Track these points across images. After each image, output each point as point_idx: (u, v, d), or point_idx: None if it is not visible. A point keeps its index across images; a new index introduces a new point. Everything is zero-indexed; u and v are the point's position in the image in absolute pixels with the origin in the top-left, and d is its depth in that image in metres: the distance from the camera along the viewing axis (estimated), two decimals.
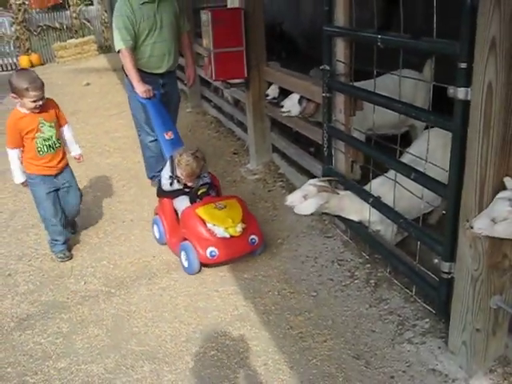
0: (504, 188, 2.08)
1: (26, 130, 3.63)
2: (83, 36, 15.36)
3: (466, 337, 2.45)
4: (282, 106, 4.34)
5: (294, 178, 4.71)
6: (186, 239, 3.57)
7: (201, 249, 3.43)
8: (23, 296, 3.51)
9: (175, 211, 3.92)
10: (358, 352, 2.72)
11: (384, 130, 4.14)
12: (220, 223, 3.50)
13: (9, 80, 3.50)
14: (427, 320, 2.85)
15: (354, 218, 3.42)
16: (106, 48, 15.51)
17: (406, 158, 3.19)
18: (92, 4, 16.55)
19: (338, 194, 3.37)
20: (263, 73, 4.80)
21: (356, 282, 3.29)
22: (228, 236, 3.49)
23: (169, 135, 4.22)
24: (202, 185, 3.82)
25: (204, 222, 3.52)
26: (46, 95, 3.66)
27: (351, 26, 3.21)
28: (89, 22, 15.88)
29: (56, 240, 3.95)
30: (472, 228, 2.12)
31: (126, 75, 4.49)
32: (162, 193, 3.92)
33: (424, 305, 2.91)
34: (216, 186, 4.00)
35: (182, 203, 3.81)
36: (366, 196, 3.24)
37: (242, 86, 5.09)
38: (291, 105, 4.24)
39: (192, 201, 3.77)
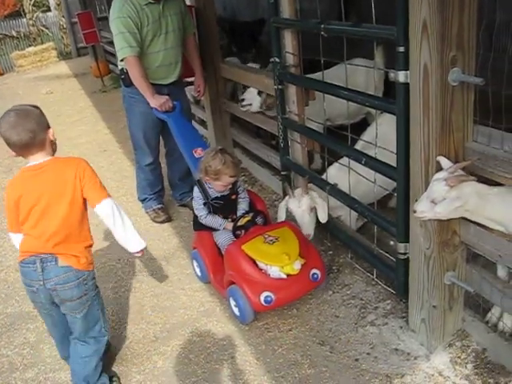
0: (441, 168, 2.13)
1: None
2: (42, 43, 15.14)
3: (424, 314, 2.52)
4: (243, 100, 4.36)
5: (255, 172, 4.75)
6: (233, 282, 2.94)
7: (253, 294, 2.79)
8: None
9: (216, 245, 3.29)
10: (322, 338, 2.76)
11: (341, 120, 4.19)
12: (273, 262, 2.85)
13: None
14: (388, 301, 2.91)
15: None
16: (66, 54, 15.33)
17: (359, 144, 3.24)
18: (49, 10, 16.32)
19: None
20: (219, 69, 4.80)
21: None
22: (285, 276, 2.86)
23: (198, 153, 3.55)
24: (244, 213, 3.21)
25: (254, 261, 2.90)
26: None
27: (297, 17, 3.25)
28: (47, 28, 15.68)
29: None
30: (415, 212, 2.17)
31: (127, 86, 3.82)
32: (199, 226, 3.29)
33: (385, 287, 2.97)
34: (260, 209, 3.33)
35: (223, 237, 3.21)
36: (323, 184, 3.28)
37: None
38: (251, 98, 4.26)
39: (235, 232, 3.15)
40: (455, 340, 2.52)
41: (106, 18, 9.73)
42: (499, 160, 1.99)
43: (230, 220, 3.22)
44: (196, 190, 3.23)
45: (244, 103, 4.35)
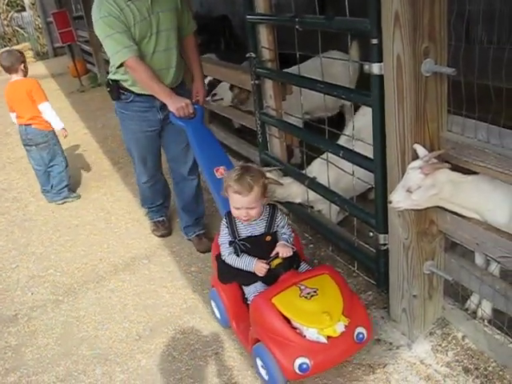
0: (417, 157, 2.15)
1: None
2: (18, 43, 14.93)
3: (404, 304, 2.54)
4: (215, 95, 4.38)
5: None
6: (260, 340, 2.42)
7: (285, 360, 2.26)
8: None
9: (239, 286, 2.74)
10: None
11: (319, 113, 4.21)
12: (311, 323, 2.28)
13: None
14: (370, 293, 2.93)
15: (299, 200, 3.47)
16: (43, 54, 15.15)
17: (343, 139, 3.26)
18: (24, 10, 16.10)
19: (282, 184, 3.37)
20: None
21: None
22: (324, 341, 2.28)
23: (220, 172, 2.93)
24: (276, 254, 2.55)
25: (286, 318, 2.34)
26: None
27: (272, 12, 3.26)
28: (22, 28, 15.47)
29: None
30: (391, 202, 2.18)
31: (114, 99, 3.33)
32: (227, 275, 2.68)
33: (366, 278, 2.99)
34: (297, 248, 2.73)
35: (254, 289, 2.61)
36: (302, 178, 3.29)
37: None
38: (223, 92, 4.29)
39: (268, 277, 2.54)
40: (436, 328, 2.55)
41: (82, 17, 9.69)
42: (473, 149, 2.01)
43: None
44: (223, 222, 2.66)
45: (216, 98, 4.39)
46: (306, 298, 2.34)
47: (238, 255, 2.58)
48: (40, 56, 14.98)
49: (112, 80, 3.27)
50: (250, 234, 2.60)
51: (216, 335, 2.85)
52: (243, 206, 2.49)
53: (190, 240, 3.78)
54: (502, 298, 2.15)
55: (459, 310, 2.49)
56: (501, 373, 2.23)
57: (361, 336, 2.34)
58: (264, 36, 3.33)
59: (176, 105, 3.09)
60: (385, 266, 2.67)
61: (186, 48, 3.49)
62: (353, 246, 2.99)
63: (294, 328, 2.31)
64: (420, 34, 2.01)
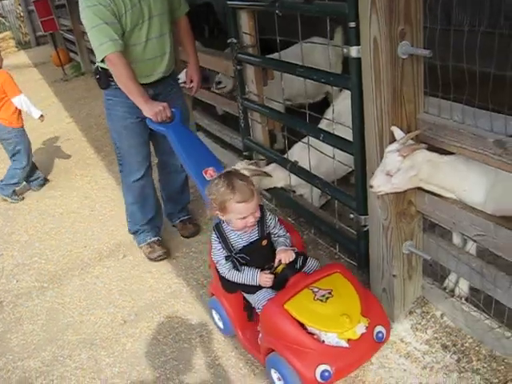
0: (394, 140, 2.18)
1: None
2: None
3: (385, 284, 2.58)
4: (219, 83, 4.39)
5: (219, 154, 4.72)
6: (273, 350, 2.27)
7: (305, 369, 2.12)
8: None
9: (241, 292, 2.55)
10: None
11: (300, 100, 4.23)
12: (331, 327, 2.16)
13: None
14: None
15: (281, 184, 3.51)
16: (25, 44, 14.97)
17: (324, 122, 3.29)
18: None
19: (271, 176, 3.37)
20: (177, 53, 4.76)
21: None
22: (345, 344, 2.17)
23: (209, 174, 2.74)
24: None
25: (301, 323, 2.20)
26: None
27: None
28: (4, 17, 15.28)
29: None
30: (372, 187, 2.22)
31: (103, 87, 3.12)
32: (230, 286, 2.49)
33: (347, 260, 3.03)
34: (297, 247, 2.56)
35: (260, 297, 2.40)
36: (284, 163, 3.32)
37: None
38: (226, 80, 4.31)
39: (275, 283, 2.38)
40: (415, 307, 2.60)
41: (64, 6, 9.60)
42: (449, 129, 2.05)
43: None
44: (214, 238, 2.45)
45: (220, 86, 4.40)
46: (321, 300, 2.21)
47: (237, 269, 2.40)
48: (22, 45, 14.82)
49: (102, 68, 3.04)
50: (245, 243, 2.41)
51: (200, 318, 2.89)
52: (249, 213, 2.32)
53: (174, 226, 3.79)
54: (478, 275, 2.20)
55: (438, 288, 2.54)
56: (477, 348, 2.29)
57: (380, 335, 2.26)
58: (245, 21, 3.34)
59: (153, 110, 2.92)
60: (365, 247, 2.70)
61: (179, 31, 3.33)
62: (334, 229, 3.03)
63: (311, 334, 2.18)
64: (396, 17, 2.03)
